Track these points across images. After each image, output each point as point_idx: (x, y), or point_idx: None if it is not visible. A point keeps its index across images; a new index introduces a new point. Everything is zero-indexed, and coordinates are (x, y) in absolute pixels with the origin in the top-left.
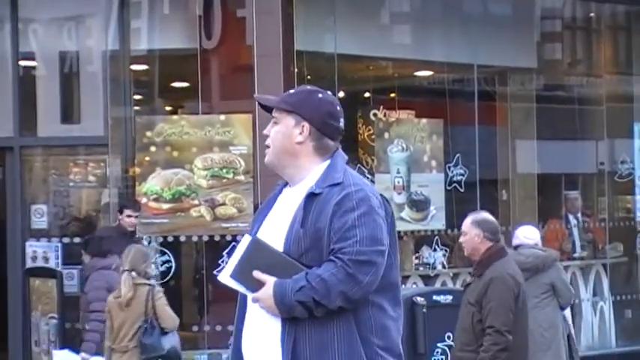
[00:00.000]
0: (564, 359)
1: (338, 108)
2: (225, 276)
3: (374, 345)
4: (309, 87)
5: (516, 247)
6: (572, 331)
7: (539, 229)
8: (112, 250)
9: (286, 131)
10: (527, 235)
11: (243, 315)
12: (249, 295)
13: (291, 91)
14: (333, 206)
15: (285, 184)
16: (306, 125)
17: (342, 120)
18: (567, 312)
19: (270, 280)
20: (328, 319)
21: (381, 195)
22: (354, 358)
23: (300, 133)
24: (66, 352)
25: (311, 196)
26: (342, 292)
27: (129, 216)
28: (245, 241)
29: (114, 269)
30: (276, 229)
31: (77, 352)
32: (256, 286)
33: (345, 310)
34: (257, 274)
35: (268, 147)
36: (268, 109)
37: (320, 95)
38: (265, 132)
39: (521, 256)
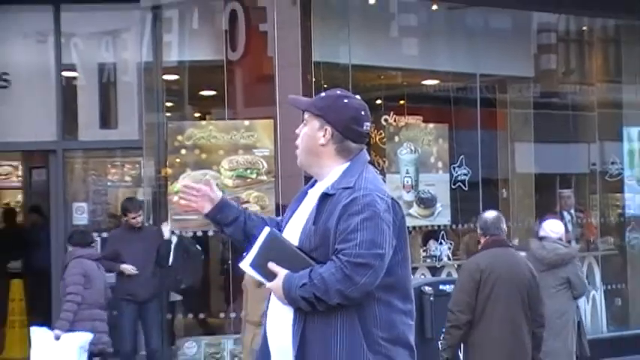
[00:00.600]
0: (572, 345)
1: (363, 113)
2: (245, 264)
3: (378, 337)
4: (338, 92)
5: (542, 239)
6: (583, 319)
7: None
8: (118, 249)
9: (312, 133)
10: (553, 228)
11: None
12: (266, 284)
13: (322, 94)
14: (340, 209)
15: None
16: (329, 129)
17: (366, 124)
18: (581, 301)
19: (281, 273)
20: (333, 313)
21: (392, 198)
22: (355, 347)
23: (324, 136)
24: (44, 328)
25: (325, 197)
26: (339, 290)
27: (133, 217)
28: (264, 234)
29: (95, 260)
30: (297, 224)
31: (52, 329)
32: (271, 276)
33: (349, 306)
34: (271, 265)
35: (297, 146)
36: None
37: (346, 100)
38: (297, 131)
39: (544, 250)
